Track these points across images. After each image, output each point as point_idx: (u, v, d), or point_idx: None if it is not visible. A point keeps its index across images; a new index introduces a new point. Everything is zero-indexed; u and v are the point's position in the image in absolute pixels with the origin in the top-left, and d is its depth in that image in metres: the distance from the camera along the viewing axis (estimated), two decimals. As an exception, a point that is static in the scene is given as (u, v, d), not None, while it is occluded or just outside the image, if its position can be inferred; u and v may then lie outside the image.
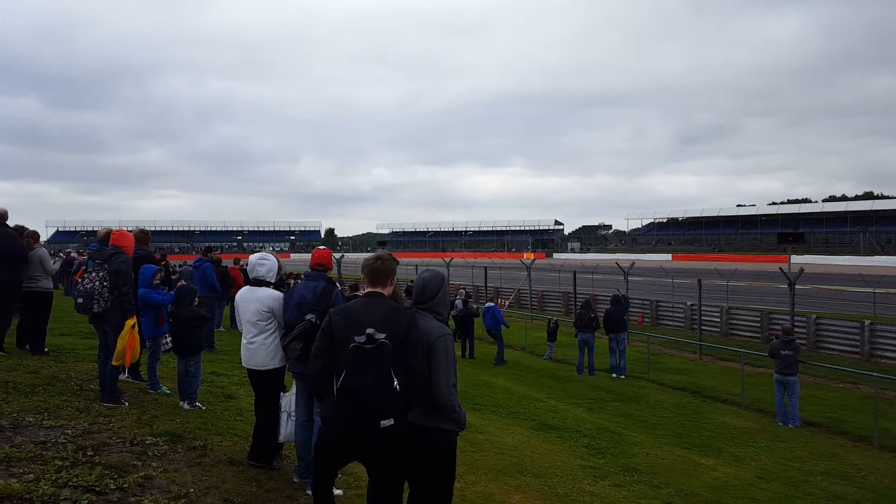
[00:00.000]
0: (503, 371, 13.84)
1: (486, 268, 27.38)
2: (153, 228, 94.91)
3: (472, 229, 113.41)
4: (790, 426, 10.28)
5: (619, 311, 14.28)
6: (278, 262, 4.70)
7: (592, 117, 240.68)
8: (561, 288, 26.15)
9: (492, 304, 16.38)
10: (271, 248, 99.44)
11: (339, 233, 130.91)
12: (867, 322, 16.02)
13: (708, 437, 9.29)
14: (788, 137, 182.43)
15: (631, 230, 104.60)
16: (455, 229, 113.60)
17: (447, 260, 28.01)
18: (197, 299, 6.28)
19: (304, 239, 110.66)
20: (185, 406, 5.79)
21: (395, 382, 2.78)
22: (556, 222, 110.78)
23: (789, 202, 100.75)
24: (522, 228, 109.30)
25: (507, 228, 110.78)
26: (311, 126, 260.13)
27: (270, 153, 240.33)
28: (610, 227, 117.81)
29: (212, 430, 5.15)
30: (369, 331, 2.82)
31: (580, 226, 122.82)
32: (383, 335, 2.82)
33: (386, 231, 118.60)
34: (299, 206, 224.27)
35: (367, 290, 3.14)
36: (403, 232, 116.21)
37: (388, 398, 2.76)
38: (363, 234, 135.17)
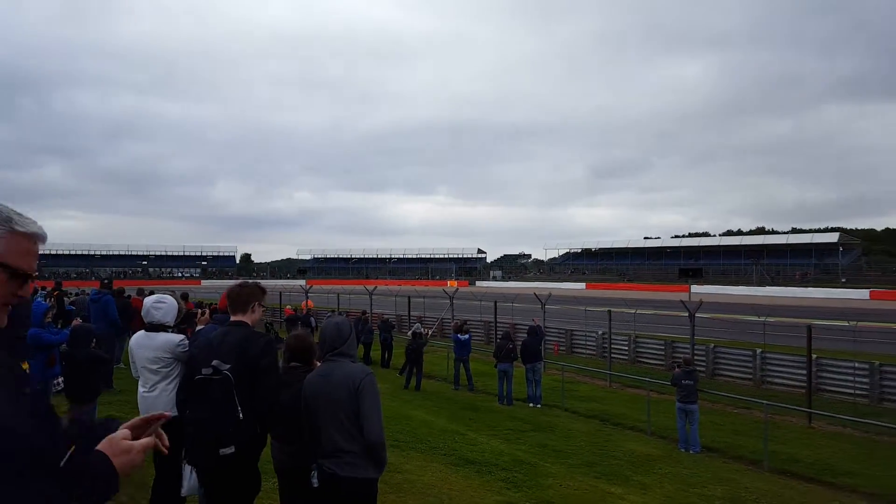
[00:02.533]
0: (424, 403, 13.94)
1: (409, 297, 27.50)
2: (49, 252, 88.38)
3: (397, 257, 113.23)
4: (691, 452, 10.98)
5: (535, 341, 14.80)
6: (178, 302, 4.46)
7: (515, 150, 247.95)
8: (482, 317, 26.66)
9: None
10: (179, 274, 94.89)
11: (256, 258, 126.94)
12: (759, 350, 17.40)
13: (617, 465, 9.77)
14: (691, 174, 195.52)
15: (549, 259, 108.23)
16: (379, 256, 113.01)
17: (370, 288, 27.95)
18: (94, 340, 5.95)
19: (218, 265, 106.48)
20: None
21: (240, 412, 2.90)
22: (479, 251, 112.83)
23: (690, 235, 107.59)
24: (446, 256, 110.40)
25: (432, 256, 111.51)
26: (228, 148, 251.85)
27: (184, 174, 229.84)
28: (529, 256, 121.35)
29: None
30: (214, 363, 2.94)
31: (502, 254, 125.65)
32: (227, 366, 2.94)
33: (307, 257, 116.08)
34: (214, 230, 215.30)
35: (231, 319, 3.27)
36: (325, 258, 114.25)
37: (228, 428, 2.89)
38: (282, 260, 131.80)
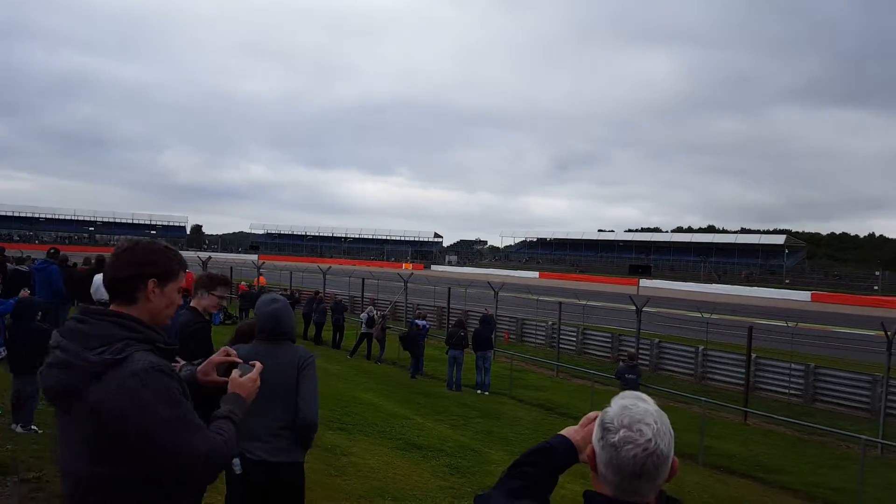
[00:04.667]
0: (375, 386, 13.89)
1: (363, 278, 27.30)
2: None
3: (352, 236, 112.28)
4: (631, 443, 11.26)
5: (486, 329, 14.91)
6: None
7: (477, 135, 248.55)
8: (436, 302, 26.69)
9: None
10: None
11: (207, 230, 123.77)
12: (701, 347, 17.98)
13: (559, 453, 9.93)
14: (648, 169, 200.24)
15: (505, 247, 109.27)
16: (335, 235, 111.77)
17: (324, 267, 27.58)
18: (39, 312, 5.75)
19: (167, 235, 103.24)
20: (19, 429, 5.28)
21: None
22: (436, 235, 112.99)
23: (643, 230, 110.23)
24: (403, 238, 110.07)
25: (388, 238, 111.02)
26: (182, 114, 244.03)
27: (134, 139, 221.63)
28: (486, 242, 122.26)
29: (49, 459, 4.73)
30: None
31: (458, 239, 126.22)
32: None
33: (260, 232, 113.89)
34: (164, 198, 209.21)
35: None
36: (279, 234, 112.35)
37: None
38: (235, 234, 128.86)
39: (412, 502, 6.33)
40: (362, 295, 26.28)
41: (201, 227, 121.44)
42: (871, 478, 9.51)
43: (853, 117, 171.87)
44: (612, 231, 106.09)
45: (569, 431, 1.60)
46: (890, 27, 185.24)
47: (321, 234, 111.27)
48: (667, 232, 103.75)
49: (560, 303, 20.62)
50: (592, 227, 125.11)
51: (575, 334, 21.36)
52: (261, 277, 26.20)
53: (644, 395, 1.39)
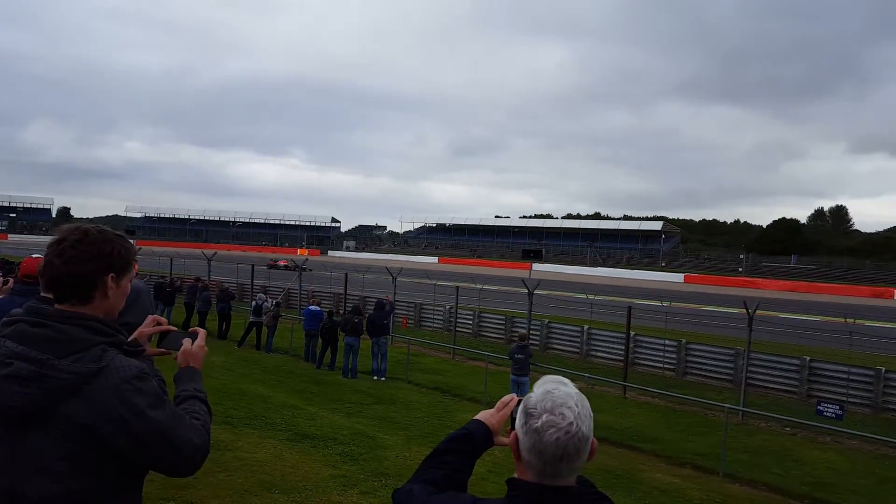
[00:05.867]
0: (263, 377, 13.38)
1: (253, 264, 26.17)
2: None
3: (242, 220, 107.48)
4: (521, 421, 11.67)
5: (381, 315, 14.79)
6: None
7: (376, 117, 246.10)
8: (332, 288, 26.17)
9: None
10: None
11: (77, 213, 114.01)
12: (586, 327, 18.95)
13: (453, 435, 10.08)
14: (543, 158, 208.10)
15: (404, 232, 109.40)
16: (222, 219, 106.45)
17: (209, 253, 26.14)
18: None
19: (30, 218, 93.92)
20: None
21: None
22: (334, 219, 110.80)
23: (536, 217, 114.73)
24: (298, 223, 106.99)
25: (282, 222, 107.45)
26: (49, 85, 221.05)
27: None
28: (385, 227, 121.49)
29: None
30: None
31: (357, 224, 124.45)
32: None
33: (137, 215, 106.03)
34: (27, 178, 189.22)
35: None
36: (159, 218, 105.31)
37: None
38: (108, 217, 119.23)
39: (301, 493, 6.17)
40: (252, 283, 25.23)
41: (69, 209, 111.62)
42: (733, 442, 10.47)
43: (727, 113, 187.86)
44: (508, 217, 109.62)
45: (484, 416, 1.63)
46: (766, 30, 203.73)
47: (207, 218, 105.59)
48: (558, 218, 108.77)
49: (457, 287, 20.92)
50: (490, 213, 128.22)
51: (471, 317, 21.78)
52: (135, 264, 24.33)
53: (565, 380, 1.40)
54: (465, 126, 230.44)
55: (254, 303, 17.38)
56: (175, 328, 1.87)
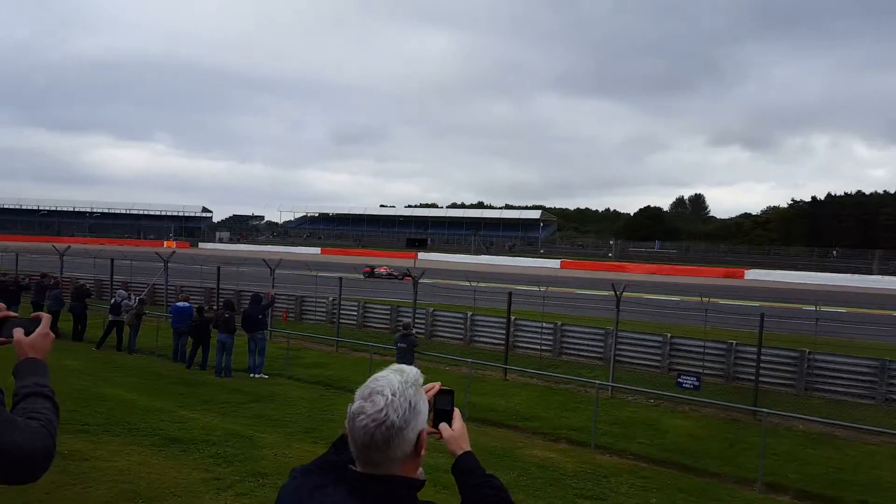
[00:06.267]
0: (126, 380, 12.28)
1: (112, 259, 23.95)
2: None
3: (100, 211, 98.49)
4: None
5: (256, 310, 14.10)
6: None
7: (250, 102, 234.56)
8: (203, 283, 24.62)
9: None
10: None
11: None
12: (469, 313, 19.33)
13: (334, 428, 9.84)
14: (427, 147, 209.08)
15: (284, 222, 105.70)
16: (77, 210, 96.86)
17: (61, 247, 23.58)
18: None
19: None
20: None
21: None
22: (205, 209, 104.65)
23: (421, 206, 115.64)
24: (164, 213, 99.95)
25: (145, 212, 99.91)
26: None
27: None
28: (262, 218, 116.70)
29: None
30: None
31: (231, 214, 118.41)
32: None
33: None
34: None
35: None
36: (3, 209, 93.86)
37: None
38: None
39: (169, 500, 5.76)
40: (111, 279, 23.13)
41: None
42: (604, 416, 11.16)
43: (600, 106, 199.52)
44: (394, 207, 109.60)
45: None
46: (636, 27, 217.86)
47: (59, 209, 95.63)
48: (443, 208, 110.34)
49: (341, 278, 20.48)
50: (374, 203, 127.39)
51: (356, 308, 21.46)
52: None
53: (404, 367, 1.37)
54: (347, 113, 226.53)
55: (113, 300, 15.91)
56: (14, 314, 1.67)
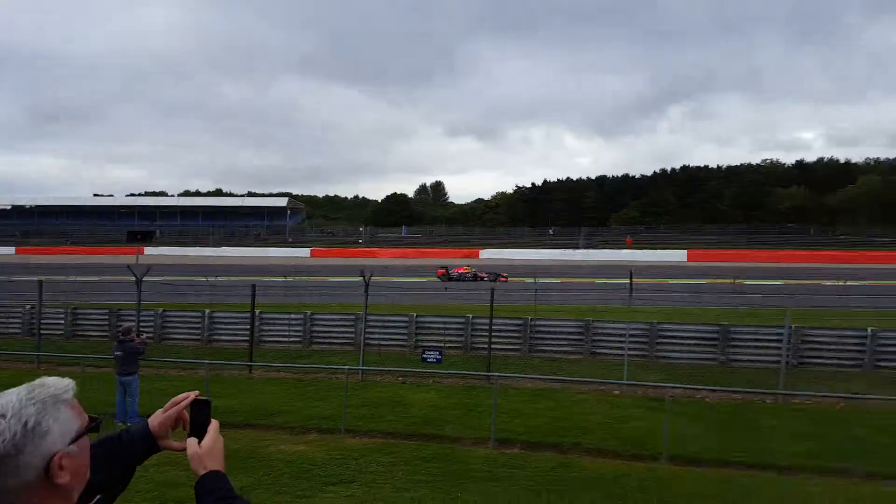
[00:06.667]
0: None
1: None
2: None
3: None
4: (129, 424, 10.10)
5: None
6: None
7: None
8: None
9: None
10: None
11: None
12: (207, 311, 17.65)
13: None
14: (156, 129, 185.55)
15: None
16: None
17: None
18: None
19: None
20: None
21: None
22: None
23: (147, 194, 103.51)
24: None
25: None
26: None
27: None
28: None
29: None
30: None
31: None
32: None
33: None
34: None
35: None
36: None
37: None
38: None
39: None
40: None
41: None
42: (354, 400, 11.12)
43: (348, 94, 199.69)
44: (112, 196, 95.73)
45: (154, 416, 1.52)
46: (382, 15, 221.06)
47: None
48: (174, 196, 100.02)
49: (41, 281, 16.99)
50: (87, 192, 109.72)
51: (63, 316, 18.09)
52: None
53: (47, 380, 1.25)
54: (48, 88, 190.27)
55: None
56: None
